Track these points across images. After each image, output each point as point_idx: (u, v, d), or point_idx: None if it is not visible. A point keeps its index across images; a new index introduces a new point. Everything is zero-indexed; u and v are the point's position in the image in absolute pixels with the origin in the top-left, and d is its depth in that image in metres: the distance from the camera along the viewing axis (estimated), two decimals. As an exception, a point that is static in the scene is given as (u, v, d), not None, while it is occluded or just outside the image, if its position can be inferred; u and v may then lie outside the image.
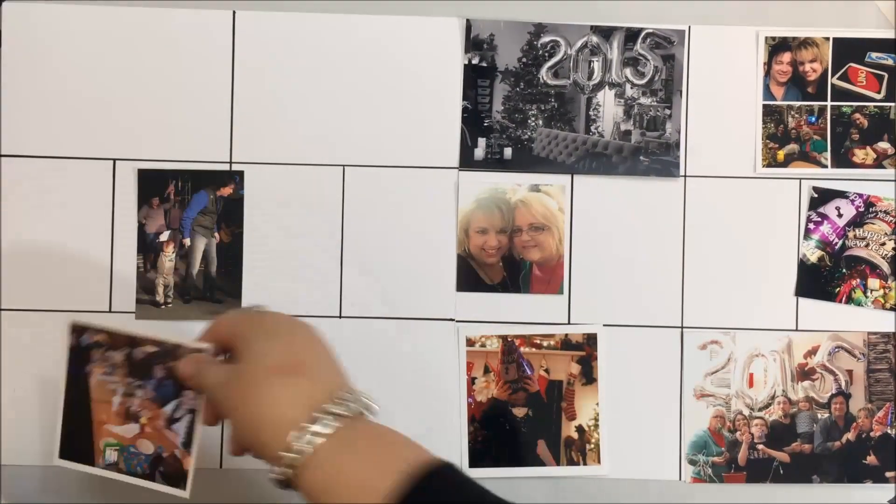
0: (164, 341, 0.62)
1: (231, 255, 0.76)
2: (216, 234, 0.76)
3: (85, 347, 0.70)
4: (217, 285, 0.76)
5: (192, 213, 0.76)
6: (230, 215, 0.76)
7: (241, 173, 0.76)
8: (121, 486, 0.70)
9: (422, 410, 0.76)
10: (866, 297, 0.77)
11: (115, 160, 0.76)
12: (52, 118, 0.76)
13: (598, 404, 0.76)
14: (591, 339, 0.77)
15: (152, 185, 0.76)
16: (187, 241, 0.76)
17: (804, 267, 0.77)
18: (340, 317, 0.76)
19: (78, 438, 0.70)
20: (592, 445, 0.76)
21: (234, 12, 0.77)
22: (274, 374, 0.53)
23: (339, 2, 0.77)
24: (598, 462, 0.76)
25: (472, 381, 0.76)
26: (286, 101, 0.77)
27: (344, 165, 0.77)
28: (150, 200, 0.76)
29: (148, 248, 0.76)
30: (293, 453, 0.50)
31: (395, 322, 0.77)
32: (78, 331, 0.70)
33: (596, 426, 0.76)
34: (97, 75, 0.76)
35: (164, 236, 0.76)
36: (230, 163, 0.76)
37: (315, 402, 0.52)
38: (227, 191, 0.76)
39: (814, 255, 0.77)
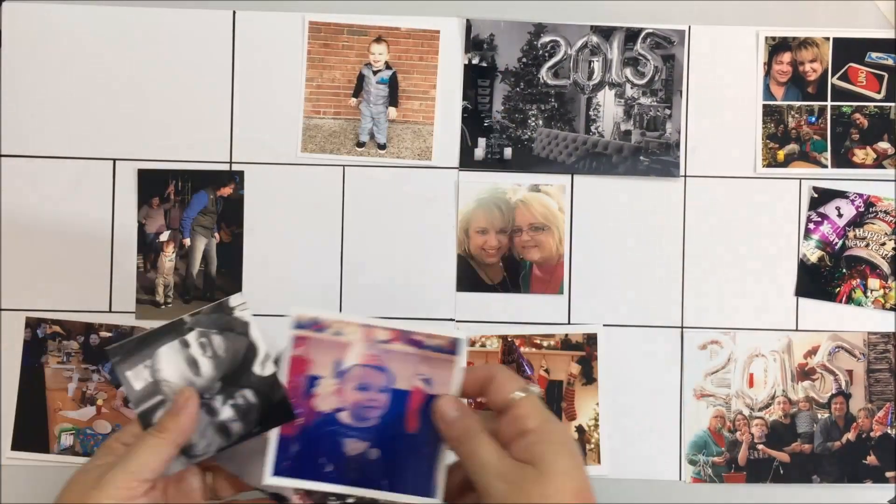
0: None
1: (231, 254, 0.76)
2: (216, 234, 0.76)
3: (41, 339, 0.73)
4: (217, 285, 0.76)
5: (192, 213, 0.76)
6: (230, 215, 0.76)
7: (240, 173, 0.76)
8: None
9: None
10: (866, 297, 0.77)
11: (115, 160, 0.76)
12: (53, 118, 0.76)
13: (597, 404, 0.76)
14: (591, 339, 0.77)
15: (152, 185, 0.76)
16: (187, 241, 0.76)
17: (804, 267, 0.77)
18: (340, 316, 0.76)
19: (32, 428, 0.73)
20: (592, 445, 0.76)
21: (234, 12, 0.77)
22: (571, 498, 0.51)
23: (339, 1, 0.77)
24: (598, 462, 0.76)
25: (472, 381, 0.76)
26: (285, 100, 0.77)
27: (344, 165, 0.77)
28: (150, 200, 0.76)
29: (148, 248, 0.76)
30: None
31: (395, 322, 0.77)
32: (32, 324, 0.73)
33: (596, 426, 0.76)
34: (97, 75, 0.76)
35: (165, 236, 0.76)
36: (230, 163, 0.76)
37: None
38: (227, 191, 0.76)
39: (814, 255, 0.77)
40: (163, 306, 0.76)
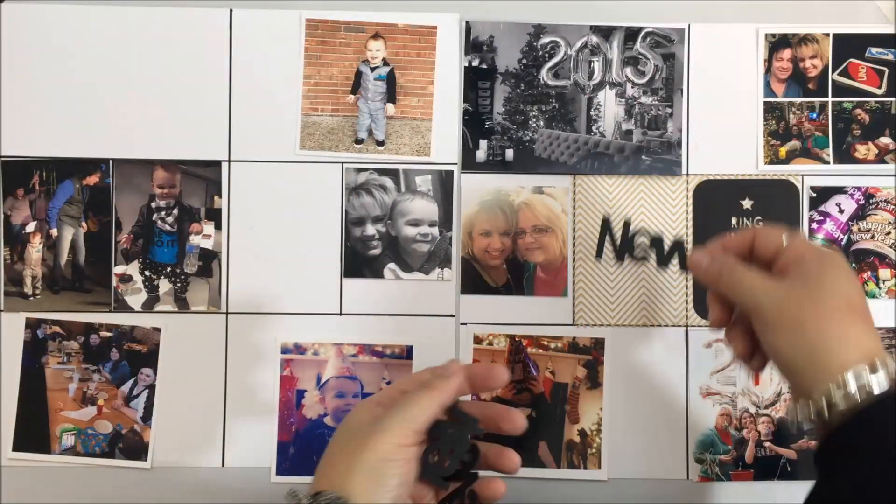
0: None
1: (100, 243, 0.77)
2: (83, 224, 0.77)
3: (41, 340, 0.73)
4: (86, 275, 0.77)
5: (58, 203, 0.77)
6: (97, 204, 0.77)
7: (107, 161, 0.77)
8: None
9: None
10: (879, 288, 0.77)
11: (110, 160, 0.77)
12: (52, 118, 0.77)
13: (601, 409, 0.76)
14: (598, 344, 0.76)
15: (16, 175, 0.76)
16: (54, 232, 0.77)
17: (816, 268, 0.77)
18: (340, 314, 0.77)
19: (33, 428, 0.75)
20: (594, 450, 0.76)
21: (230, 10, 0.78)
22: (843, 310, 0.53)
23: (340, 0, 0.78)
24: (599, 467, 0.75)
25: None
26: (283, 97, 0.77)
27: (342, 162, 0.77)
28: (14, 191, 0.77)
29: (14, 239, 0.77)
30: (843, 392, 0.50)
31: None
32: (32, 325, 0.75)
33: (598, 431, 0.76)
34: (96, 75, 0.77)
35: (31, 227, 0.77)
36: (228, 161, 0.77)
37: (872, 352, 0.51)
38: (93, 179, 0.77)
39: (821, 253, 0.77)
40: (31, 298, 0.76)
